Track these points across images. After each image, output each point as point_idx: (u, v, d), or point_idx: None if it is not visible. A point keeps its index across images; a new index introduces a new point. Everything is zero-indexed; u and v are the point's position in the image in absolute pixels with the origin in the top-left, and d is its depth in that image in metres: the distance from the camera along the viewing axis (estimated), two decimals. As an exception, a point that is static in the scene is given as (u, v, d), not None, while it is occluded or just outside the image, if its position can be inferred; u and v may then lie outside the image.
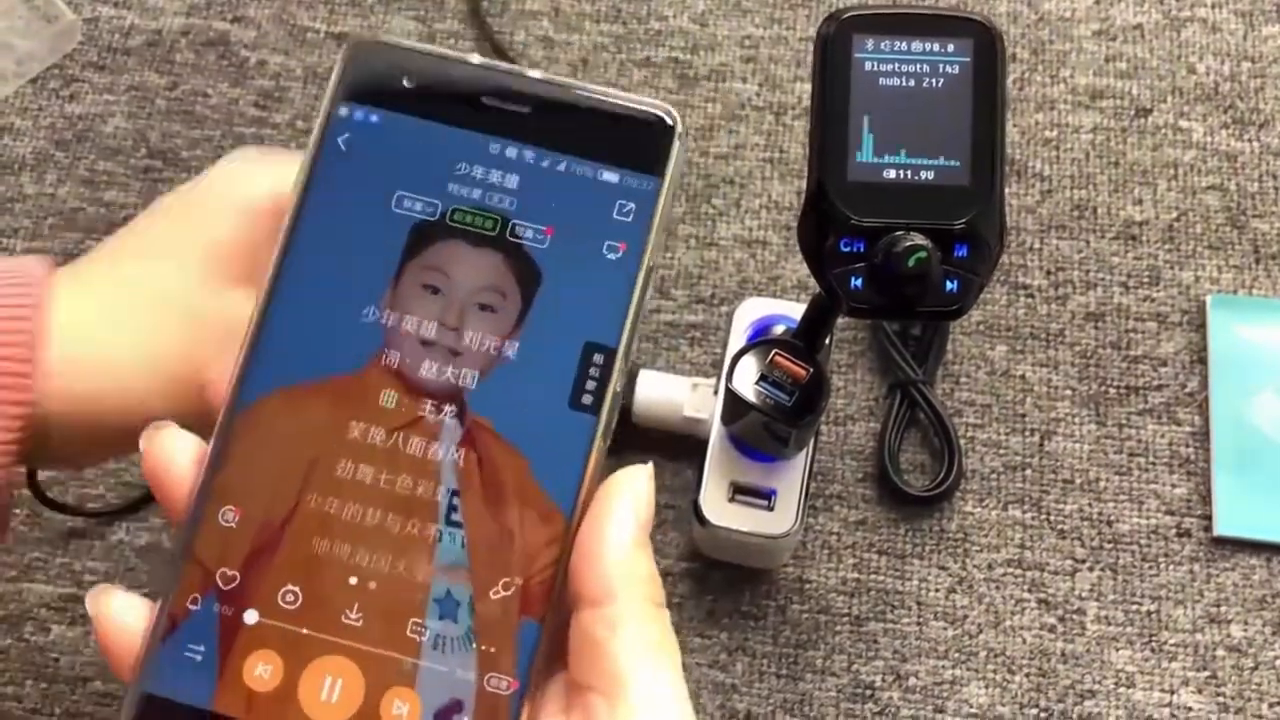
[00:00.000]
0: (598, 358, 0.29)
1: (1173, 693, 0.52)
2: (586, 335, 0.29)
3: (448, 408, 0.29)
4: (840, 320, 0.59)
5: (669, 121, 0.31)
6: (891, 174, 0.37)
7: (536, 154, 0.31)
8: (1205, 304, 0.58)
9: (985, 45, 0.37)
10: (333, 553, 0.28)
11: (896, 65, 0.37)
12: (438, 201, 0.30)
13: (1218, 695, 0.52)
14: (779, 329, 0.51)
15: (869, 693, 0.53)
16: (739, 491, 0.49)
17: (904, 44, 0.37)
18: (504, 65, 0.32)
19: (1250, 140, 0.62)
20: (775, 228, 0.61)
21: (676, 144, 0.31)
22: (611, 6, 0.66)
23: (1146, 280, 0.59)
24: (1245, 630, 0.53)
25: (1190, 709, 0.52)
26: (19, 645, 0.54)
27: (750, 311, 0.53)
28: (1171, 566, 0.54)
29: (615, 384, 0.29)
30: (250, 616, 0.28)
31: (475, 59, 0.31)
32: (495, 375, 0.29)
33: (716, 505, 0.49)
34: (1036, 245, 0.60)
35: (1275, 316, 0.58)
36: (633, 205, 0.30)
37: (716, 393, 0.52)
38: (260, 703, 0.27)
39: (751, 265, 0.60)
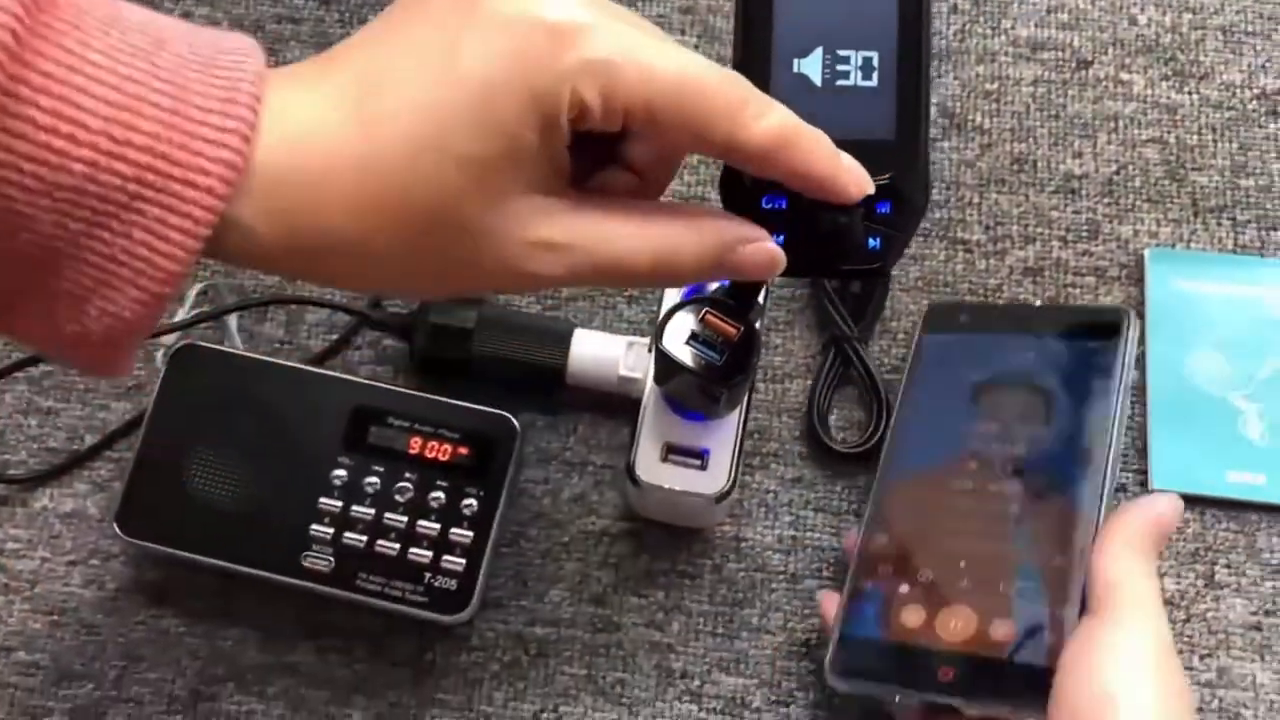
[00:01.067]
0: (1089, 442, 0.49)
1: (1106, 646, 0.52)
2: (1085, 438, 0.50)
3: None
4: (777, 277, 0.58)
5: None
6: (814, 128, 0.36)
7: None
8: (1144, 258, 0.58)
9: None
10: (950, 549, 0.48)
11: (820, 14, 0.36)
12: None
13: (1150, 648, 0.52)
14: (713, 287, 0.50)
15: (804, 650, 0.52)
16: (672, 451, 0.49)
17: None
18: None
19: (1190, 93, 0.61)
20: (715, 184, 0.60)
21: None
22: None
23: (1085, 234, 0.59)
24: (1178, 583, 0.53)
25: (1123, 662, 0.52)
26: (-60, 615, 0.53)
27: (685, 269, 0.52)
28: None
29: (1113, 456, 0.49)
30: (903, 588, 0.48)
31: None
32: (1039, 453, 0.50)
33: (650, 465, 0.49)
34: (975, 200, 0.59)
35: (1213, 271, 0.58)
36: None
37: (650, 351, 0.51)
38: (911, 632, 0.46)
39: (689, 221, 0.59)
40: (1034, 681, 0.43)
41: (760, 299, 0.47)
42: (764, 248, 0.36)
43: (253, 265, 0.34)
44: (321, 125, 0.31)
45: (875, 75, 0.36)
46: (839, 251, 0.36)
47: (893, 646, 0.47)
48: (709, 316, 0.43)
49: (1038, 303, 0.57)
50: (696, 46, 0.63)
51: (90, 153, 0.28)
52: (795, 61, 0.36)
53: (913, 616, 0.47)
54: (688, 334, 0.43)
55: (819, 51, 0.36)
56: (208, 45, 0.31)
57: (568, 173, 0.34)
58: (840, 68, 0.36)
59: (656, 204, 0.38)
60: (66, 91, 0.28)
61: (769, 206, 0.36)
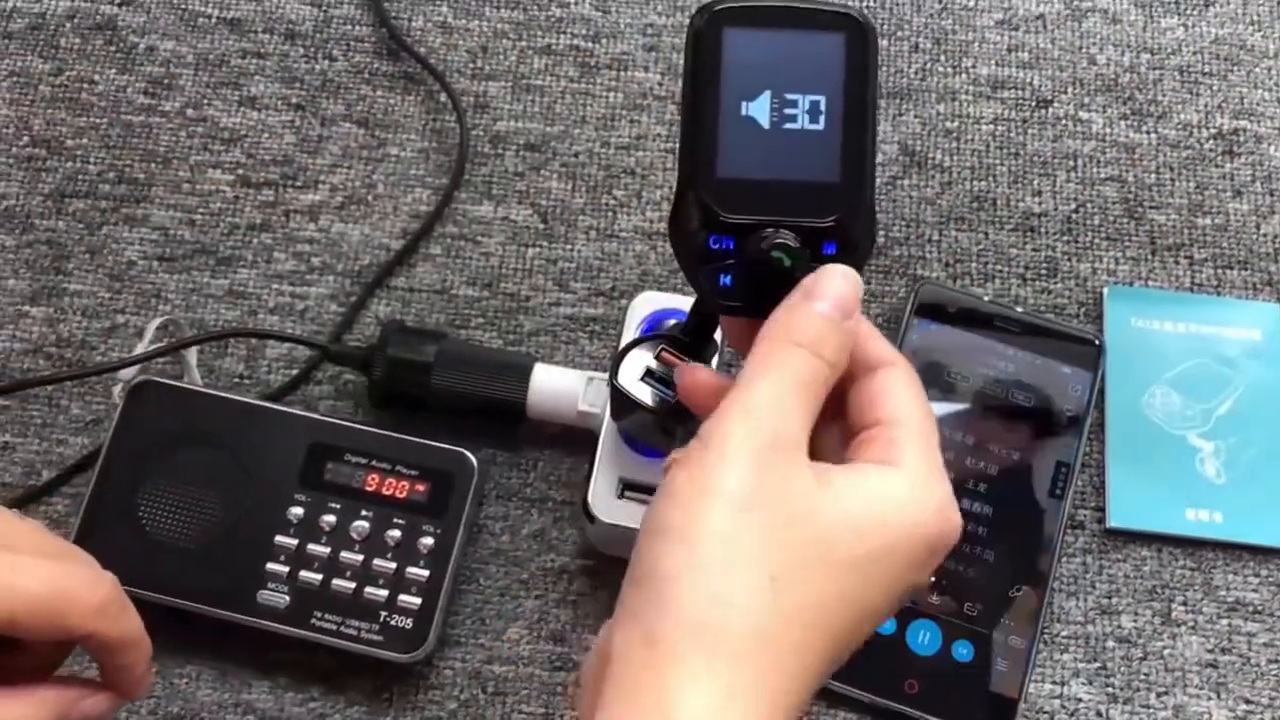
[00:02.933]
0: (1063, 469, 0.54)
1: (1063, 684, 0.52)
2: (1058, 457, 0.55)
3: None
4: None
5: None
6: (761, 171, 0.36)
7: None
8: (1102, 295, 0.59)
9: (858, 39, 0.36)
10: None
11: (768, 59, 0.37)
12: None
13: (1107, 686, 0.52)
14: (671, 323, 0.50)
15: (763, 689, 0.52)
16: (629, 488, 0.49)
17: (777, 38, 0.37)
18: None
19: (1149, 132, 0.62)
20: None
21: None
22: (513, -7, 0.65)
23: (1045, 272, 0.59)
24: (1135, 621, 0.54)
25: (1080, 700, 0.52)
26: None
27: (644, 305, 0.52)
28: (1066, 559, 0.54)
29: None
30: None
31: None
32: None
33: (605, 502, 0.49)
34: (935, 237, 0.60)
35: (1170, 309, 0.58)
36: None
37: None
38: None
39: (652, 258, 0.60)
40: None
41: (716, 336, 0.47)
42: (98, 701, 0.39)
43: None
44: None
45: (822, 119, 0.36)
46: (785, 292, 0.36)
47: None
48: (664, 354, 0.44)
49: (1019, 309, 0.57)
50: (660, 83, 0.63)
51: None
52: (743, 104, 0.37)
53: None
54: (644, 370, 0.44)
55: (766, 95, 0.37)
56: None
57: None
58: (788, 110, 0.36)
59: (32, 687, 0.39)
60: None
61: (716, 247, 0.36)
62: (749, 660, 0.31)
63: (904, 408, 0.35)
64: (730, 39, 0.36)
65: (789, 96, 0.36)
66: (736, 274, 0.36)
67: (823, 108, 0.36)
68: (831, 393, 0.35)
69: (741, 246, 0.36)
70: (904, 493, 0.33)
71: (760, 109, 0.37)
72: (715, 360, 0.49)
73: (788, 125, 0.36)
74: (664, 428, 0.46)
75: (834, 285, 0.34)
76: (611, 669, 0.31)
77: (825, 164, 0.36)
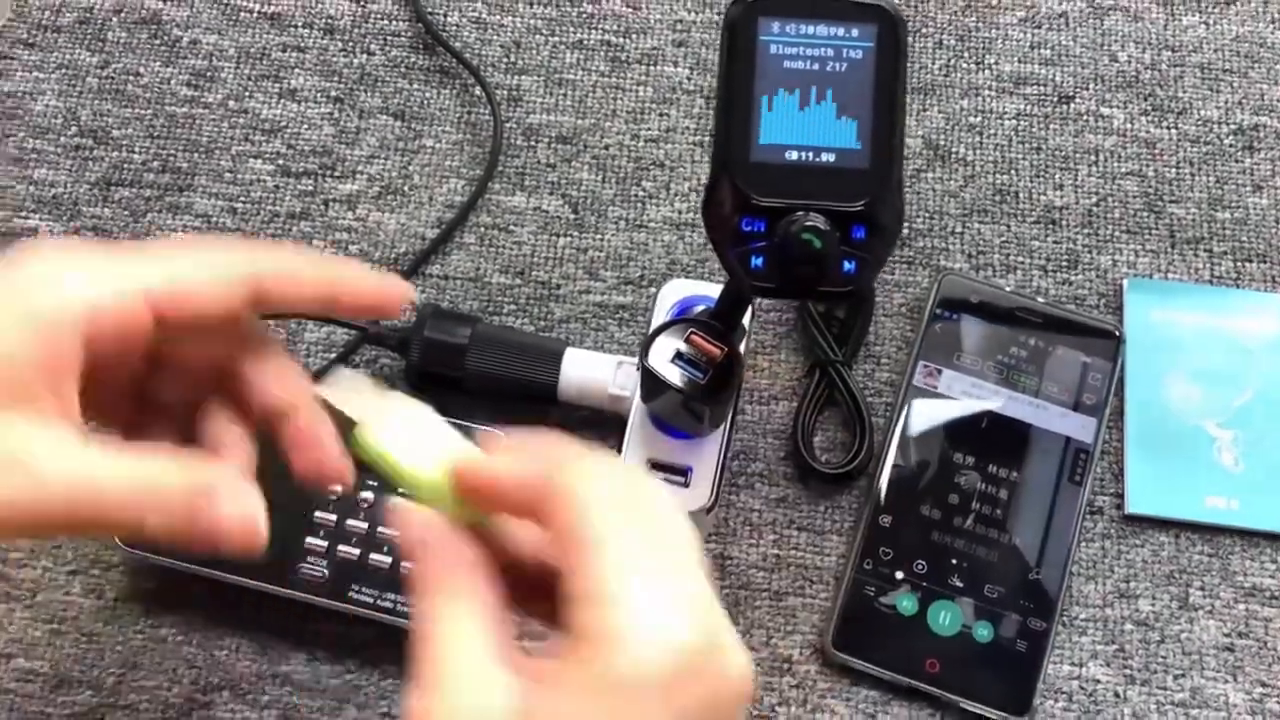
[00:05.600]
0: (1082, 456, 0.55)
1: (1081, 665, 0.53)
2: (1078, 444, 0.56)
3: None
4: (765, 301, 0.60)
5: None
6: (794, 155, 0.38)
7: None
8: (1122, 288, 0.60)
9: (888, 30, 0.38)
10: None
11: (801, 49, 0.38)
12: None
13: (1125, 668, 0.53)
14: (700, 309, 0.52)
15: (787, 666, 0.54)
16: (656, 468, 0.50)
17: (809, 27, 0.38)
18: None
19: (1169, 128, 0.63)
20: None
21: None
22: (546, -11, 0.67)
23: (1065, 264, 0.60)
24: (1153, 605, 0.55)
25: (1098, 681, 0.53)
26: (-58, 622, 0.54)
27: (674, 292, 0.53)
28: (1084, 544, 0.55)
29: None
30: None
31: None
32: None
33: None
34: (959, 229, 0.61)
35: (1189, 300, 0.59)
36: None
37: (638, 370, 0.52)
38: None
39: (680, 248, 0.61)
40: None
41: (745, 322, 0.49)
42: (243, 511, 0.34)
43: None
44: None
45: (853, 106, 0.38)
46: (815, 274, 0.38)
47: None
48: (694, 337, 0.45)
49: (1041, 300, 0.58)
50: (689, 77, 0.65)
51: None
52: (776, 91, 0.38)
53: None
54: (673, 353, 0.45)
55: (799, 83, 0.38)
56: None
57: (76, 417, 0.34)
58: (819, 98, 0.38)
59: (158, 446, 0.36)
60: None
61: (748, 229, 0.38)
62: None
63: (594, 560, 0.29)
64: (765, 28, 0.38)
65: (821, 85, 0.38)
66: (768, 256, 0.38)
67: (853, 96, 0.38)
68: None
69: (773, 229, 0.37)
70: (658, 666, 0.28)
71: (793, 96, 0.38)
72: (745, 344, 0.50)
73: (819, 112, 0.38)
74: (692, 409, 0.47)
75: (409, 532, 0.33)
76: None
77: (855, 150, 0.37)
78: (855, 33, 0.38)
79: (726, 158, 0.38)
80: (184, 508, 0.33)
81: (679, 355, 0.45)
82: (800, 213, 0.37)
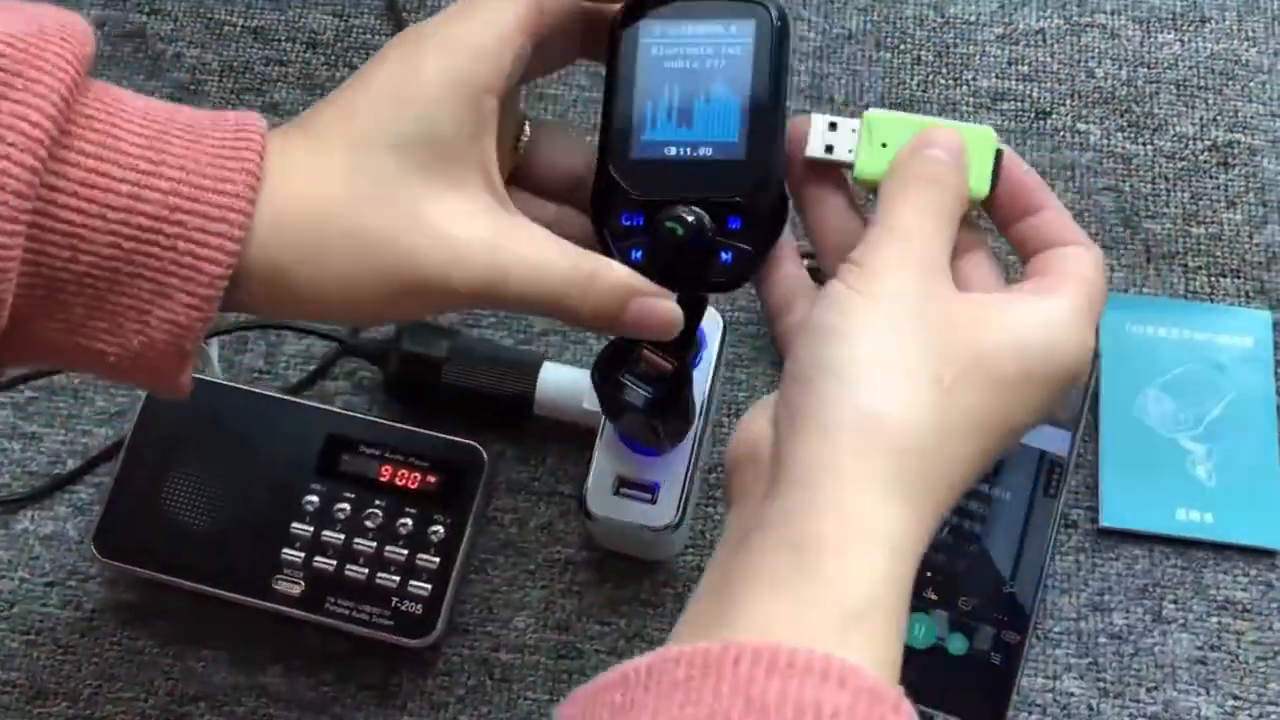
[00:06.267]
0: (1057, 469, 0.55)
1: (1055, 679, 0.54)
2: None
3: None
4: (744, 314, 0.60)
5: None
6: (672, 151, 0.38)
7: None
8: (1098, 302, 0.60)
9: (765, 25, 0.39)
10: None
11: (682, 49, 0.39)
12: None
13: (1098, 681, 0.54)
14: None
15: (762, 679, 0.54)
16: (624, 484, 0.50)
17: (690, 27, 0.39)
18: None
19: (1145, 144, 0.64)
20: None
21: None
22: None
23: (1042, 278, 0.61)
24: (1126, 618, 0.55)
25: (1072, 694, 0.53)
26: (-81, 633, 0.54)
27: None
28: (1059, 557, 0.56)
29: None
30: None
31: None
32: None
33: (601, 497, 0.50)
34: (935, 243, 0.61)
35: (1164, 315, 0.60)
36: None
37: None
38: None
39: (659, 261, 0.61)
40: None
41: (715, 340, 0.49)
42: (666, 305, 0.38)
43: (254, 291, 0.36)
44: (307, 155, 0.36)
45: (731, 101, 0.38)
46: (691, 265, 0.38)
47: None
48: (645, 351, 0.44)
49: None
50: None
51: (133, 174, 0.33)
52: (658, 89, 0.39)
53: None
54: (624, 368, 0.44)
55: (679, 81, 0.39)
56: (213, 111, 0.36)
57: (496, 181, 0.37)
58: (699, 95, 0.39)
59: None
60: (107, 128, 0.33)
61: (628, 224, 0.38)
62: (916, 461, 0.32)
63: (1066, 249, 0.37)
64: (646, 30, 0.39)
65: (701, 83, 0.39)
66: (645, 249, 0.38)
67: (732, 91, 0.38)
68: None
69: (649, 223, 0.38)
70: (1064, 325, 0.35)
71: (673, 94, 0.39)
72: (703, 359, 0.51)
73: (699, 109, 0.38)
74: (650, 424, 0.47)
75: (938, 136, 0.37)
76: (783, 463, 0.33)
77: (732, 143, 0.38)
78: (734, 29, 0.39)
79: (608, 155, 0.39)
80: (619, 301, 0.37)
81: (630, 370, 0.44)
82: (676, 206, 0.38)
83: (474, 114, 0.36)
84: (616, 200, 0.38)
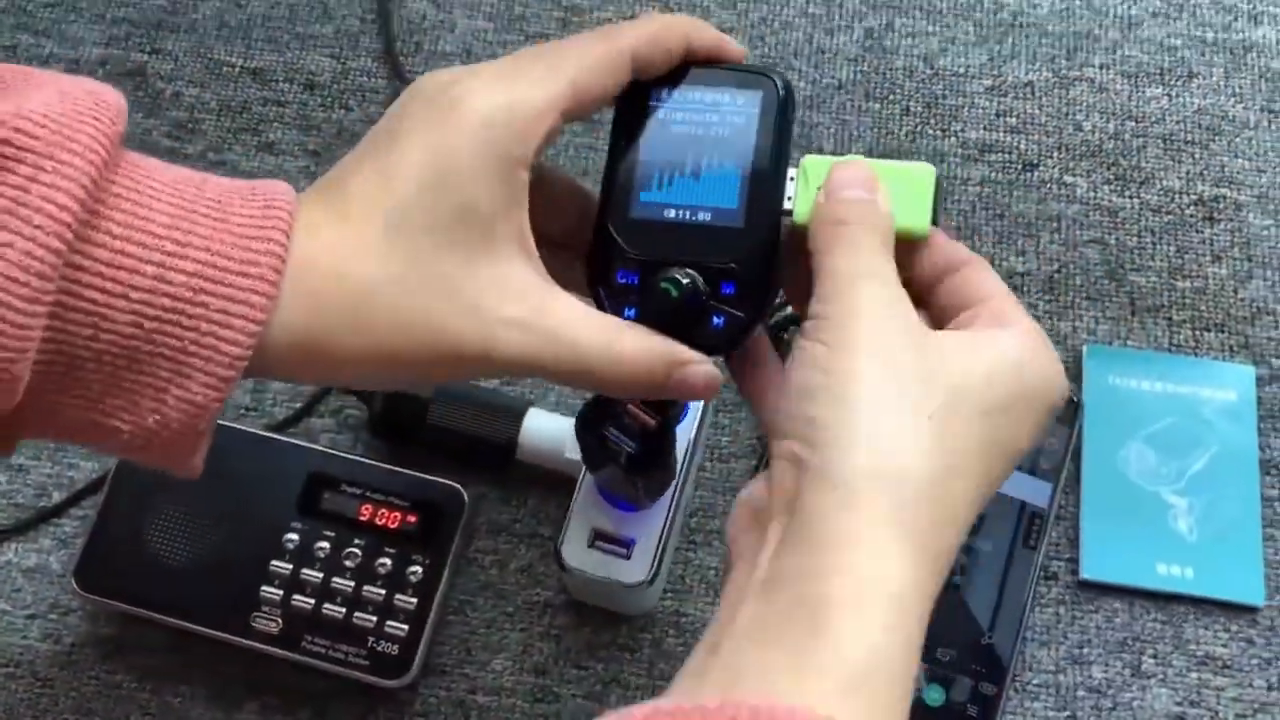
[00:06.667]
0: (1037, 521, 0.56)
1: (1033, 731, 0.53)
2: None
3: None
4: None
5: None
6: (671, 213, 0.39)
7: None
8: (1081, 354, 0.60)
9: (771, 97, 0.39)
10: None
11: (689, 114, 0.40)
12: None
13: (1076, 735, 0.53)
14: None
15: (738, 726, 0.54)
16: (600, 538, 0.50)
17: (698, 94, 0.40)
18: None
19: (1131, 197, 0.64)
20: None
21: None
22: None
23: (1026, 329, 0.61)
24: (1105, 671, 0.55)
25: (1049, 748, 0.53)
26: (-100, 663, 0.54)
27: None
28: (1038, 609, 0.56)
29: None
30: None
31: None
32: None
33: (577, 550, 0.50)
34: (921, 293, 0.62)
35: (1147, 368, 0.60)
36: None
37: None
38: None
39: (646, 305, 0.62)
40: None
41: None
42: (707, 370, 0.38)
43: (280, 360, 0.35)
44: (339, 227, 0.36)
45: (734, 169, 0.39)
46: (683, 327, 0.38)
47: None
48: (630, 405, 0.45)
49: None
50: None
51: (159, 254, 0.33)
52: (661, 152, 0.39)
53: None
54: (608, 422, 0.45)
55: (684, 146, 0.39)
56: (243, 182, 0.36)
57: (531, 249, 0.37)
58: (703, 160, 0.39)
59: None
60: (134, 207, 0.33)
61: (622, 281, 0.39)
62: (925, 508, 0.32)
63: (999, 288, 0.37)
64: (655, 94, 0.39)
65: (705, 148, 0.39)
66: (639, 308, 0.38)
67: (734, 159, 0.39)
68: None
69: (644, 283, 0.38)
70: (1026, 347, 0.35)
71: (677, 158, 0.39)
72: (688, 417, 0.51)
73: (702, 174, 0.39)
74: (630, 479, 0.47)
75: (847, 175, 0.37)
76: (795, 516, 0.33)
77: (731, 210, 0.38)
78: (741, 100, 0.39)
79: (608, 213, 0.39)
80: (663, 374, 0.37)
81: (615, 424, 0.44)
82: (671, 267, 0.38)
83: (508, 188, 0.36)
84: (614, 257, 0.38)
